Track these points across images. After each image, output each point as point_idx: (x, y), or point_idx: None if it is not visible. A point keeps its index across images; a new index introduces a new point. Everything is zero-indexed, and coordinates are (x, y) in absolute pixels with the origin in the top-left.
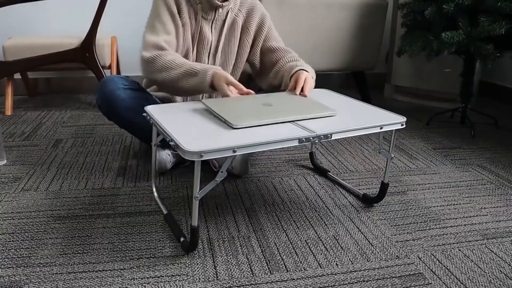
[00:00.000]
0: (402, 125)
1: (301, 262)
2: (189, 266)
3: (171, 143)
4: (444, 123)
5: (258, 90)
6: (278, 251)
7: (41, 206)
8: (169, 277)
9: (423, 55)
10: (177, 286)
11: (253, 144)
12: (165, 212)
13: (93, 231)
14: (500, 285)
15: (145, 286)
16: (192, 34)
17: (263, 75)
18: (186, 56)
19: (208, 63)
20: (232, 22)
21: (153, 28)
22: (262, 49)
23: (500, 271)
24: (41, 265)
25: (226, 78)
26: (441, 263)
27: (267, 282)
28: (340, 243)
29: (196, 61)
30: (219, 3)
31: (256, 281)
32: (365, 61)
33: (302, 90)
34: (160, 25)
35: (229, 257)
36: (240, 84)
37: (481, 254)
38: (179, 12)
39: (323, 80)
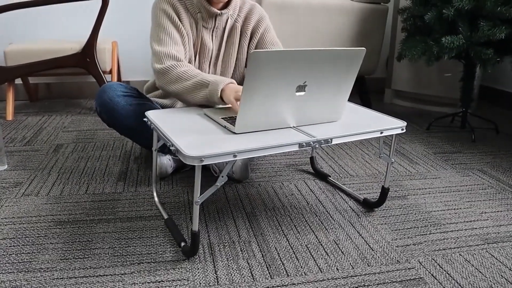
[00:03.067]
0: (402, 129)
1: (301, 267)
2: (190, 270)
3: (172, 148)
4: (445, 127)
5: None
6: (279, 256)
7: (42, 211)
8: (170, 282)
9: (423, 60)
10: None
11: (253, 149)
12: (165, 217)
13: (94, 236)
14: None
15: None
16: (193, 44)
17: None
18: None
19: (208, 72)
20: (231, 28)
21: (160, 40)
22: None
23: (501, 276)
24: (42, 270)
25: (236, 93)
26: (441, 268)
27: (268, 287)
28: (341, 248)
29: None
30: (218, 11)
31: (257, 286)
32: (365, 66)
33: None
34: (166, 36)
35: (230, 262)
36: None
37: (482, 259)
38: (180, 21)
39: None
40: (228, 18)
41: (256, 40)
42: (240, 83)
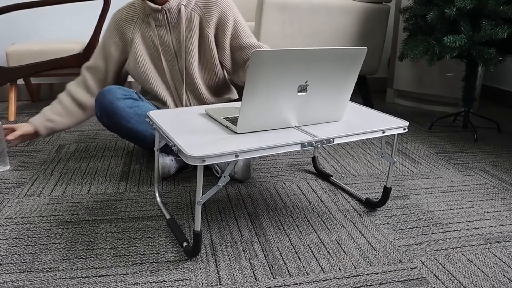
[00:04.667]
0: (404, 129)
1: (304, 267)
2: (192, 271)
3: (174, 148)
4: (447, 127)
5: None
6: (281, 256)
7: (44, 211)
8: (172, 282)
9: (425, 60)
10: None
11: (255, 149)
12: (168, 217)
13: (96, 236)
14: None
15: None
16: (155, 46)
17: (236, 72)
18: (158, 66)
19: (177, 67)
20: (188, 19)
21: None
22: (232, 47)
23: (504, 275)
24: (45, 270)
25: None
26: (444, 268)
27: (270, 287)
28: (343, 248)
29: (167, 68)
30: (159, 6)
31: (259, 286)
32: (367, 66)
33: None
34: (95, 53)
35: (232, 262)
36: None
37: (484, 259)
38: (124, 35)
39: None
40: (180, 9)
41: (229, 36)
42: (220, 77)
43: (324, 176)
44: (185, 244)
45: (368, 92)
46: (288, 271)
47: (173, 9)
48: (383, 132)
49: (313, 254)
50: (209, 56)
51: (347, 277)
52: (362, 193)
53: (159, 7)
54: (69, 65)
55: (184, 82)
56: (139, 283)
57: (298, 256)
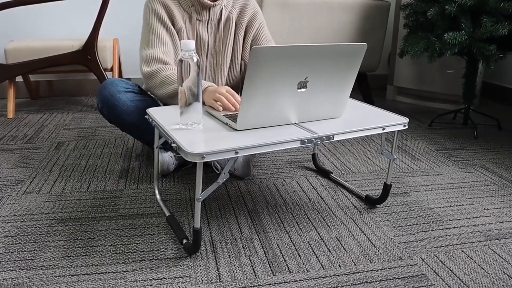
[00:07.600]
0: (404, 126)
1: (304, 264)
2: (192, 268)
3: (173, 145)
4: (447, 124)
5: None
6: (281, 253)
7: (43, 209)
8: (172, 279)
9: (426, 57)
10: None
11: (255, 145)
12: (167, 214)
13: (96, 234)
14: (503, 286)
15: None
16: (188, 38)
17: None
18: None
19: (206, 64)
20: (226, 19)
21: (148, 42)
22: (251, 47)
23: (503, 272)
24: (44, 268)
25: (214, 93)
26: (444, 264)
27: (270, 284)
28: (343, 245)
29: None
30: (211, 3)
31: (259, 283)
32: (367, 63)
33: None
34: (154, 37)
35: (232, 259)
36: (228, 96)
37: (484, 255)
38: (172, 19)
39: None
40: (222, 9)
41: (252, 36)
42: (237, 75)
43: (324, 173)
44: (184, 241)
45: (368, 89)
46: (288, 268)
47: (217, 8)
48: (383, 129)
49: (313, 251)
50: (237, 57)
51: (347, 274)
52: (362, 190)
53: (212, 3)
54: (68, 62)
55: (207, 79)
56: (139, 280)
57: (298, 253)
